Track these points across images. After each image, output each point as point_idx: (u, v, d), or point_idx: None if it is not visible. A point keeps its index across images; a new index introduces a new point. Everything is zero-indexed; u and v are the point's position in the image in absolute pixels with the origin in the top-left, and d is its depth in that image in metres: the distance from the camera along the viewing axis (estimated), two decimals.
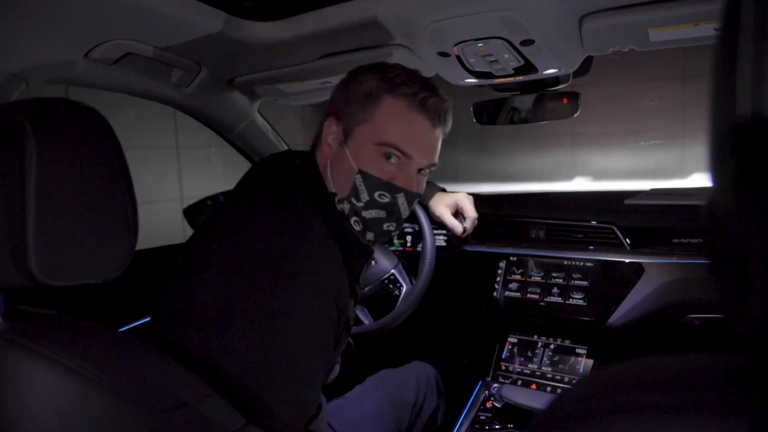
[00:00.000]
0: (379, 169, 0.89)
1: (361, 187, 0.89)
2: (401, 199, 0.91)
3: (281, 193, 0.90)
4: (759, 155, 0.27)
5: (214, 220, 0.93)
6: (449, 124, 0.95)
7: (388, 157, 0.89)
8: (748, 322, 0.29)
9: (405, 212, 0.93)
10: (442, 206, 1.40)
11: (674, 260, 1.29)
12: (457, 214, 1.41)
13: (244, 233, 0.84)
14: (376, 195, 0.89)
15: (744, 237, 0.28)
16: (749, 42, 0.27)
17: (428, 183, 1.43)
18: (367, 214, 0.91)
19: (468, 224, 1.40)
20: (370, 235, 0.93)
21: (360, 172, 0.89)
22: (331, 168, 0.93)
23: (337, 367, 1.11)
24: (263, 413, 0.74)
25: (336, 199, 0.92)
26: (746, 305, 0.29)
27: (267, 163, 1.01)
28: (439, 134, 0.94)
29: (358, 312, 1.45)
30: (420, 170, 0.93)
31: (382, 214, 0.91)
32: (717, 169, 0.31)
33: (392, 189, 0.90)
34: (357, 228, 0.92)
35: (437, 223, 1.43)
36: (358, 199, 0.90)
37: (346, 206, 0.91)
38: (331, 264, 0.84)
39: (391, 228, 0.94)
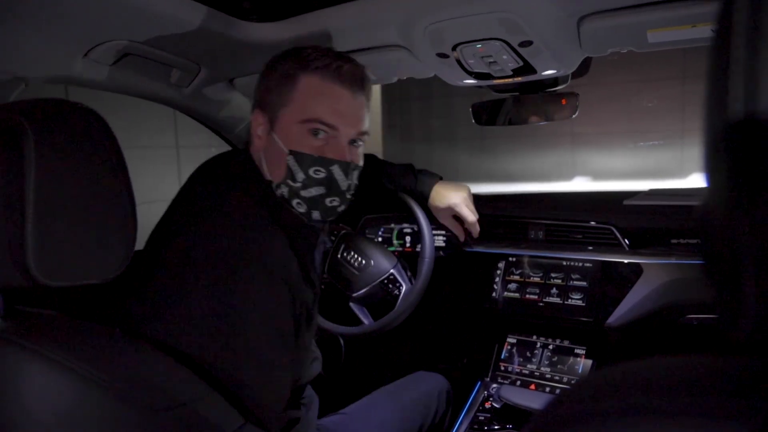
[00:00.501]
0: (309, 146, 0.90)
1: (295, 167, 0.90)
2: (336, 170, 0.91)
3: (220, 190, 0.91)
4: (751, 156, 0.28)
5: (160, 224, 0.93)
6: (370, 91, 0.96)
7: (315, 133, 0.90)
8: (740, 324, 0.29)
9: (344, 184, 0.93)
10: (441, 215, 1.41)
11: (673, 261, 1.29)
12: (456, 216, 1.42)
13: (190, 233, 0.85)
14: (311, 171, 0.90)
15: (736, 238, 0.28)
16: (742, 43, 0.28)
17: (425, 172, 1.43)
18: (307, 192, 0.91)
19: (471, 229, 1.41)
20: (316, 215, 0.93)
21: (291, 152, 0.90)
22: (265, 159, 0.94)
23: (318, 364, 1.11)
24: (244, 399, 0.76)
25: (274, 185, 0.93)
26: (738, 307, 0.29)
27: (207, 164, 1.01)
28: (362, 101, 0.94)
29: (358, 312, 1.45)
30: (353, 142, 0.94)
31: (321, 190, 0.91)
32: (711, 169, 0.31)
33: (325, 162, 0.90)
34: (301, 210, 0.93)
35: (436, 223, 1.43)
36: (294, 180, 0.90)
37: (284, 190, 0.92)
38: (277, 250, 0.85)
39: (336, 203, 0.94)
